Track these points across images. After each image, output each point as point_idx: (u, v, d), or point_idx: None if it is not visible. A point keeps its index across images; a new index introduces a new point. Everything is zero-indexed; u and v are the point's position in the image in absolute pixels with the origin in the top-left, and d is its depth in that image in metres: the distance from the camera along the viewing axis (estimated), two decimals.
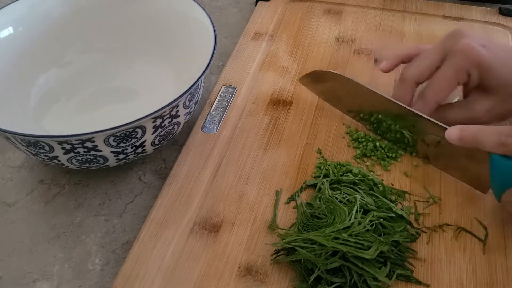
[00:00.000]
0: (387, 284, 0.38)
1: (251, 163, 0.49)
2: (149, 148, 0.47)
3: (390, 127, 0.49)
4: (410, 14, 0.68)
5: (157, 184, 0.50)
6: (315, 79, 0.54)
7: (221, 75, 0.59)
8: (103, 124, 0.41)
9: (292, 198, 0.46)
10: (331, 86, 0.53)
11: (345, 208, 0.41)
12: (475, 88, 0.47)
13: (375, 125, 0.51)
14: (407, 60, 0.51)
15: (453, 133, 0.42)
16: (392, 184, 0.47)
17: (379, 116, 0.50)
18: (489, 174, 0.42)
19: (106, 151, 0.44)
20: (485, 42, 0.46)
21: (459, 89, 0.49)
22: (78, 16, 0.58)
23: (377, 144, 0.49)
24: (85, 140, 0.42)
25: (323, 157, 0.49)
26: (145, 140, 0.45)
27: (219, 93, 0.57)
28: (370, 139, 0.50)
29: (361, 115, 0.52)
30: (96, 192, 0.49)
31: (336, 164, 0.48)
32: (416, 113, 0.46)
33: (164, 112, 0.44)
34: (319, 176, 0.47)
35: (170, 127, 0.47)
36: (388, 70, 0.52)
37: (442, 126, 0.44)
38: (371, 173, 0.47)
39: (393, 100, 0.48)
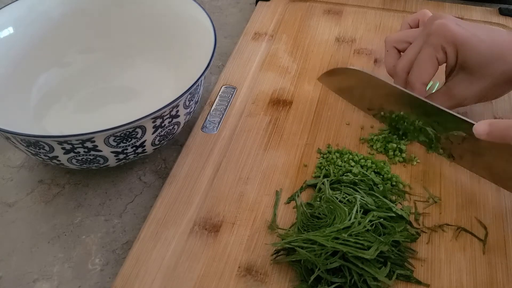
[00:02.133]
0: (387, 284, 0.38)
1: (251, 163, 0.49)
2: (149, 148, 0.47)
3: (412, 124, 0.49)
4: (410, 14, 0.68)
5: (157, 184, 0.50)
6: (335, 77, 0.54)
7: (221, 75, 0.59)
8: (103, 124, 0.41)
9: (292, 198, 0.46)
10: (351, 84, 0.52)
11: (345, 208, 0.41)
12: (455, 69, 0.48)
13: (396, 123, 0.50)
14: (413, 25, 0.53)
15: (481, 128, 0.41)
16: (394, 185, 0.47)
17: (401, 113, 0.49)
18: None
19: (106, 151, 0.44)
20: (460, 22, 0.47)
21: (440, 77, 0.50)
22: (78, 16, 0.58)
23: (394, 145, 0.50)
24: (85, 140, 0.42)
25: (323, 156, 0.49)
26: (145, 140, 0.45)
27: (219, 93, 0.57)
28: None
29: (382, 113, 0.51)
30: (96, 192, 0.49)
31: (340, 154, 0.49)
32: (441, 109, 0.46)
33: (164, 112, 0.44)
34: (319, 176, 0.47)
35: (170, 127, 0.47)
36: (398, 41, 0.52)
37: (469, 122, 0.44)
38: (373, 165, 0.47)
39: (417, 95, 0.48)
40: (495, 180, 0.46)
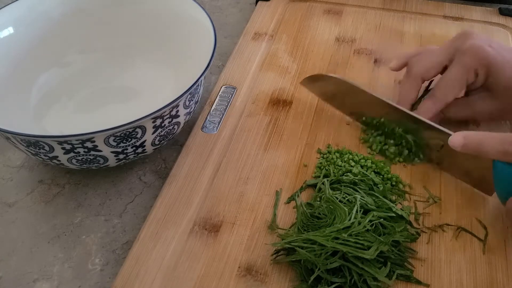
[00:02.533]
0: (387, 284, 0.38)
1: (251, 163, 0.49)
2: (149, 148, 0.47)
3: (393, 131, 0.49)
4: (410, 14, 0.68)
5: (157, 184, 0.50)
6: (316, 82, 0.54)
7: (221, 75, 0.59)
8: (103, 124, 0.41)
9: (292, 198, 0.46)
10: (332, 89, 0.53)
11: (345, 208, 0.41)
12: (479, 88, 0.48)
13: (378, 128, 0.51)
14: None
15: (456, 140, 0.42)
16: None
17: (381, 119, 0.50)
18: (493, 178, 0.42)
19: (106, 151, 0.44)
20: (491, 43, 0.47)
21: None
22: (78, 16, 0.58)
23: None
24: (85, 140, 0.42)
25: (323, 156, 0.49)
26: (145, 140, 0.45)
27: (219, 93, 0.57)
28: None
29: (364, 118, 0.52)
30: (96, 192, 0.49)
31: (340, 154, 0.49)
32: (418, 118, 0.46)
33: (164, 112, 0.44)
34: (319, 176, 0.47)
35: (170, 127, 0.47)
36: (398, 69, 0.53)
37: (445, 132, 0.44)
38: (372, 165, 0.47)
39: (394, 104, 0.48)
40: (474, 185, 0.46)
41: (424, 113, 0.48)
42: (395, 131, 0.49)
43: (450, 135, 0.43)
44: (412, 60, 0.50)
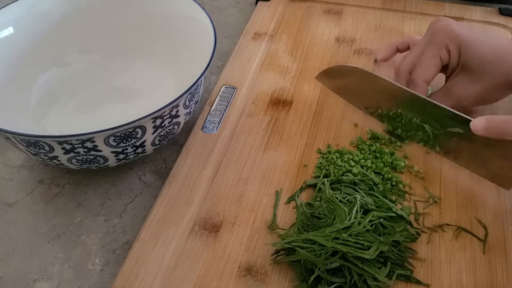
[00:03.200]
0: (387, 284, 0.38)
1: (251, 163, 0.49)
2: (149, 148, 0.47)
3: (410, 122, 0.49)
4: (410, 14, 0.68)
5: (157, 184, 0.50)
6: (333, 75, 0.54)
7: (221, 75, 0.59)
8: (103, 124, 0.41)
9: (292, 198, 0.46)
10: (349, 82, 0.53)
11: (345, 208, 0.41)
12: (456, 70, 0.49)
13: (393, 121, 0.50)
14: (402, 48, 0.54)
15: (478, 123, 0.42)
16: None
17: (398, 110, 0.49)
18: None
19: (106, 151, 0.44)
20: (463, 25, 0.49)
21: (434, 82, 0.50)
22: (78, 16, 0.58)
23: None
24: (85, 140, 0.42)
25: (323, 156, 0.49)
26: (145, 140, 0.45)
27: (219, 93, 0.57)
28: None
29: (380, 111, 0.51)
30: (96, 192, 0.49)
31: (340, 154, 0.49)
32: (439, 105, 0.46)
33: (164, 112, 0.44)
34: (319, 176, 0.47)
35: (170, 127, 0.47)
36: (386, 59, 0.55)
37: (466, 118, 0.44)
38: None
39: (415, 92, 0.48)
40: (491, 178, 0.46)
41: None
42: (412, 122, 0.49)
43: (470, 120, 0.43)
44: (401, 50, 0.54)
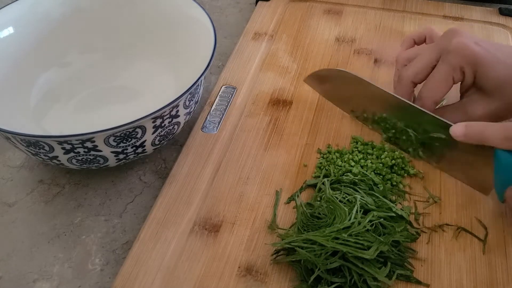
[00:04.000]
0: (387, 284, 0.38)
1: (251, 163, 0.49)
2: (149, 148, 0.47)
3: (394, 126, 0.49)
4: (410, 14, 0.68)
5: (157, 184, 0.50)
6: (321, 78, 0.53)
7: (221, 75, 0.59)
8: (103, 124, 0.41)
9: (292, 198, 0.46)
10: (336, 85, 0.52)
11: (345, 208, 0.41)
12: (471, 88, 0.47)
13: (379, 124, 0.51)
14: (418, 41, 0.53)
15: (458, 129, 0.42)
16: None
17: (383, 114, 0.49)
18: (492, 173, 0.42)
19: (106, 151, 0.44)
20: (478, 40, 0.46)
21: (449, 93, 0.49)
22: (78, 16, 0.58)
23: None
24: (85, 140, 0.42)
25: (323, 156, 0.49)
26: (145, 140, 0.45)
27: (219, 93, 0.57)
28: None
29: (365, 114, 0.52)
30: (96, 192, 0.49)
31: (340, 154, 0.49)
32: (420, 109, 0.46)
33: (164, 112, 0.44)
34: (319, 176, 0.47)
35: (170, 127, 0.47)
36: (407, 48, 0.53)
37: (446, 123, 0.44)
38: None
39: (398, 96, 0.48)
40: (471, 184, 0.46)
41: None
42: (396, 126, 0.49)
43: (450, 125, 0.43)
44: (418, 43, 0.53)
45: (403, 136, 0.49)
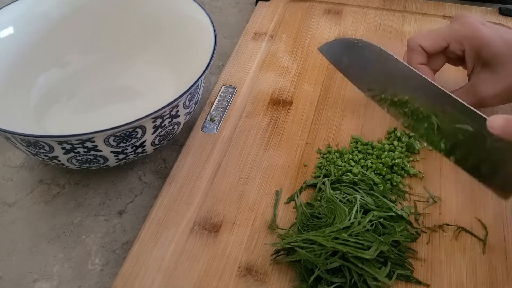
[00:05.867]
0: (387, 284, 0.38)
1: (251, 163, 0.49)
2: (149, 148, 0.47)
3: (416, 111, 0.45)
4: (410, 14, 0.68)
5: (157, 184, 0.50)
6: (338, 47, 0.50)
7: (221, 75, 0.59)
8: (103, 124, 0.41)
9: (292, 198, 0.46)
10: (355, 57, 0.49)
11: (345, 208, 0.41)
12: (476, 67, 0.48)
13: (397, 108, 0.47)
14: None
15: (497, 121, 0.38)
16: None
17: (405, 97, 0.45)
18: None
19: (106, 151, 0.44)
20: (485, 22, 0.48)
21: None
22: (78, 16, 0.58)
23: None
24: (85, 140, 0.42)
25: (323, 156, 0.49)
26: (145, 140, 0.45)
27: (219, 93, 0.57)
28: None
29: (383, 95, 0.47)
30: (96, 192, 0.49)
31: (340, 154, 0.49)
32: (452, 96, 0.42)
33: (164, 112, 0.44)
34: (319, 176, 0.47)
35: (170, 127, 0.47)
36: (432, 51, 0.50)
37: (480, 115, 0.40)
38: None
39: (428, 79, 0.44)
40: (491, 186, 0.42)
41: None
42: (418, 111, 0.45)
43: (484, 118, 0.39)
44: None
45: (424, 123, 0.45)
